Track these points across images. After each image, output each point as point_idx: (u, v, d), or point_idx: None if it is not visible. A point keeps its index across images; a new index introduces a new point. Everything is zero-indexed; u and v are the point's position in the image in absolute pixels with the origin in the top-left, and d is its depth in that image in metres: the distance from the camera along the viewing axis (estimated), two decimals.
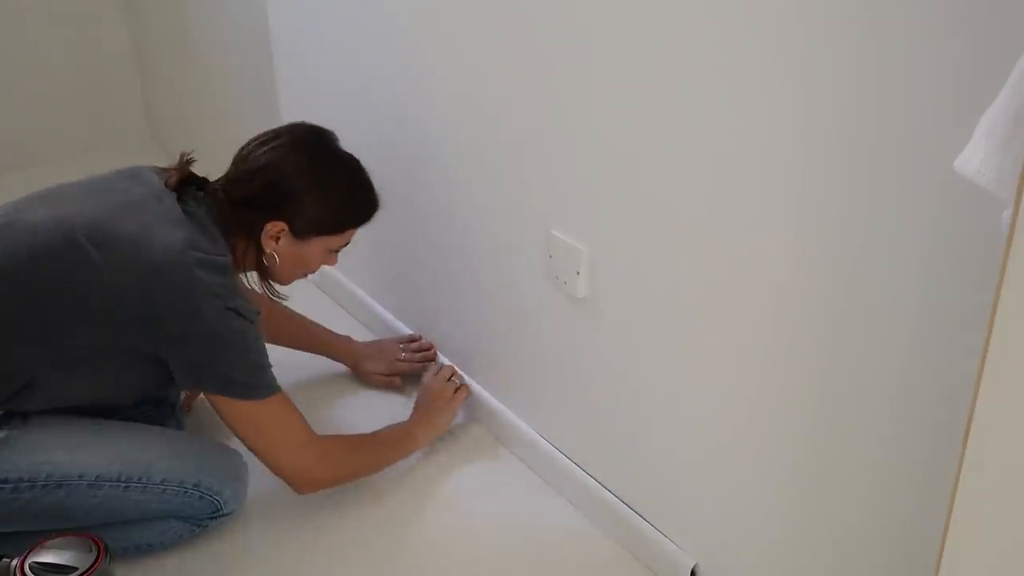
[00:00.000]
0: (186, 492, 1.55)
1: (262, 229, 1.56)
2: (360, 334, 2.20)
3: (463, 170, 1.73)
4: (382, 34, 1.81)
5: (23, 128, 2.93)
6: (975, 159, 0.75)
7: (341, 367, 2.03)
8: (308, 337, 1.99)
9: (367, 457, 1.71)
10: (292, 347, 1.93)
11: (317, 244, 1.62)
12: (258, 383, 1.53)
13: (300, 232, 1.58)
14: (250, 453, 1.60)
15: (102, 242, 1.44)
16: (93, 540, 1.26)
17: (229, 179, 1.60)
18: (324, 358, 2.02)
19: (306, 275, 1.71)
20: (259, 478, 1.69)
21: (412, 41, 1.75)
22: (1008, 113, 0.73)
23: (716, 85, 1.20)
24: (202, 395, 1.75)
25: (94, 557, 1.23)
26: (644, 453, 1.55)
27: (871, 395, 1.16)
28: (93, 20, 2.96)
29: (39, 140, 2.97)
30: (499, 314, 1.78)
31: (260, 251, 1.59)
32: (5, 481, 1.44)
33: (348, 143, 2.04)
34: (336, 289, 2.29)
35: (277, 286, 1.68)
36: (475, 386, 1.91)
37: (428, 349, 2.02)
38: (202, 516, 1.59)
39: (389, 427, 1.76)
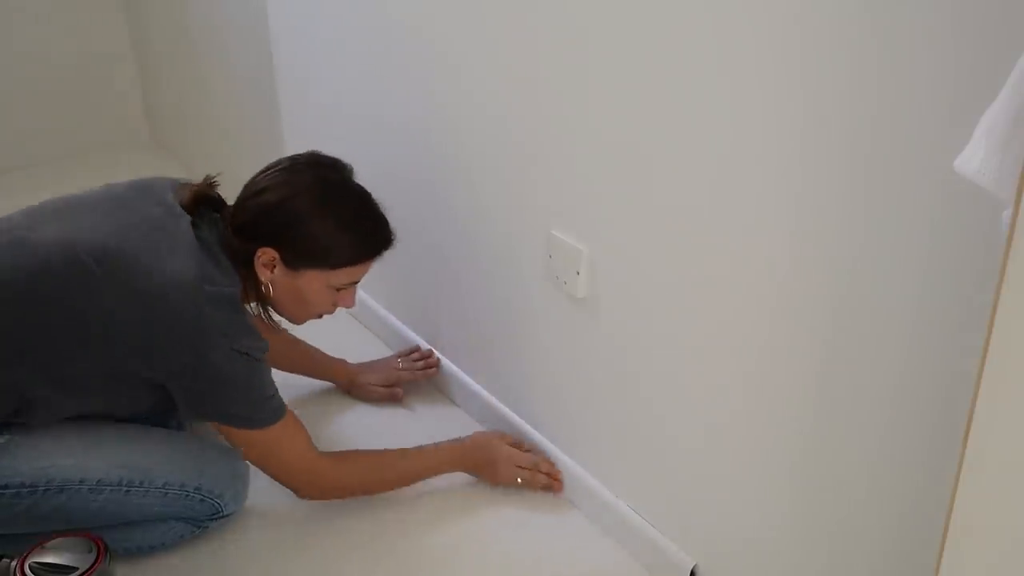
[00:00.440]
0: (187, 495, 1.54)
1: (256, 257, 1.51)
2: (360, 333, 2.21)
3: (463, 170, 1.73)
4: (381, 34, 1.81)
5: (23, 128, 2.93)
6: (975, 159, 0.75)
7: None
8: (305, 361, 1.94)
9: (379, 474, 1.67)
10: (289, 371, 1.89)
11: (312, 278, 1.54)
12: (262, 415, 1.52)
13: (290, 262, 1.52)
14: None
15: (109, 266, 1.41)
16: (93, 540, 1.26)
17: (235, 205, 1.56)
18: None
19: (320, 315, 1.63)
20: (260, 479, 1.69)
21: (412, 41, 1.75)
22: (1008, 113, 0.73)
23: (716, 85, 1.20)
24: None
25: (94, 557, 1.23)
26: (644, 453, 1.55)
27: (870, 395, 1.16)
28: (93, 20, 2.96)
29: (39, 140, 2.97)
30: (499, 314, 1.78)
31: (258, 283, 1.54)
32: (6, 487, 1.43)
33: (347, 142, 2.04)
34: None
35: (287, 323, 1.65)
36: (473, 386, 1.91)
37: (428, 356, 2.00)
38: (203, 517, 1.59)
39: (423, 446, 1.70)
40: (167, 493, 1.53)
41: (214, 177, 1.59)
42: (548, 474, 1.69)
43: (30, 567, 1.21)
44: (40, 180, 2.91)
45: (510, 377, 1.82)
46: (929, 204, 1.02)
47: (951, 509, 0.78)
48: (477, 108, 1.64)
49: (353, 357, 2.01)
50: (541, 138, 1.52)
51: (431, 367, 1.98)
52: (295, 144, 2.28)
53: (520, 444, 1.73)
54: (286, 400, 1.57)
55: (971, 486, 0.76)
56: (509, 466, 1.69)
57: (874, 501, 1.21)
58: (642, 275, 1.42)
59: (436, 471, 1.71)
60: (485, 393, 1.89)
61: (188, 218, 1.50)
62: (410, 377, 1.97)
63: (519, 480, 1.68)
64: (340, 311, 1.66)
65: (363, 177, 2.05)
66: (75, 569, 1.21)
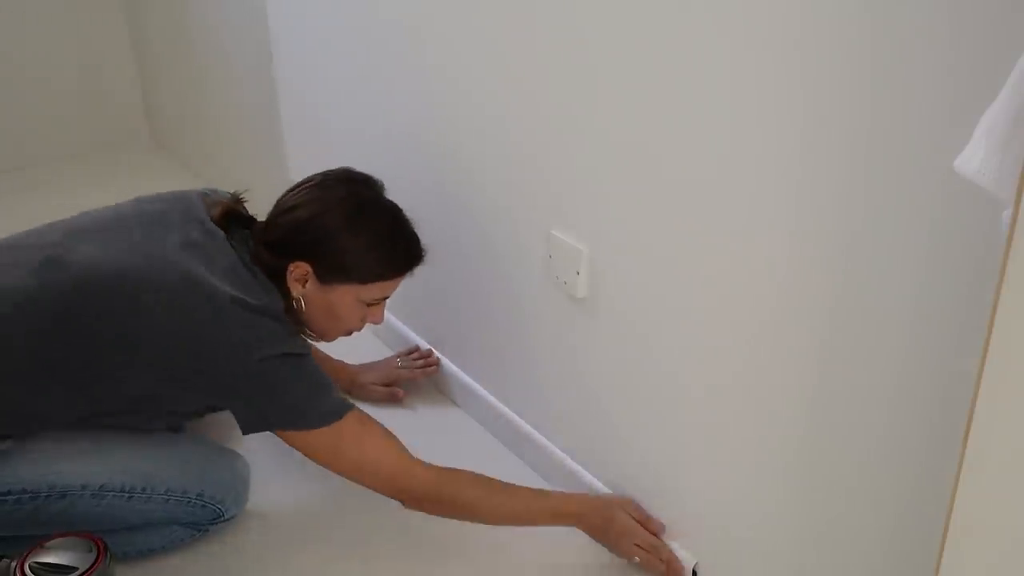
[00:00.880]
0: (189, 501, 1.54)
1: (287, 271, 1.52)
2: (360, 333, 2.20)
3: (463, 170, 1.73)
4: (381, 33, 1.81)
5: (23, 128, 2.93)
6: (975, 159, 0.75)
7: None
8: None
9: (488, 497, 1.55)
10: None
11: (344, 293, 1.54)
12: (323, 409, 1.47)
13: (323, 277, 1.52)
14: (250, 455, 1.60)
15: (147, 287, 1.41)
16: (93, 540, 1.26)
17: (267, 221, 1.56)
18: None
19: (350, 332, 1.64)
20: (260, 481, 1.70)
21: (411, 41, 1.75)
22: (1008, 113, 0.73)
23: (716, 85, 1.20)
24: None
25: (94, 557, 1.23)
26: (644, 452, 1.55)
27: (871, 395, 1.16)
28: (93, 20, 2.96)
29: (39, 140, 2.97)
30: (499, 314, 1.78)
31: (290, 297, 1.54)
32: (8, 493, 1.43)
33: (347, 142, 2.05)
34: None
35: (320, 343, 1.65)
36: (474, 386, 1.91)
37: (428, 356, 2.00)
38: (204, 522, 1.59)
39: (551, 493, 1.62)
40: (169, 499, 1.52)
41: (242, 193, 1.60)
42: (668, 563, 1.52)
43: (30, 567, 1.21)
44: (40, 180, 2.92)
45: (510, 377, 1.82)
46: (929, 204, 1.02)
47: (951, 509, 0.77)
48: (477, 108, 1.64)
49: (354, 358, 2.01)
50: (541, 138, 1.52)
51: (431, 366, 1.98)
52: (295, 143, 2.28)
53: (648, 521, 1.55)
54: None
55: (971, 486, 0.76)
56: (628, 540, 1.54)
57: (874, 501, 1.21)
58: (642, 275, 1.42)
59: (554, 518, 1.57)
60: (486, 393, 1.89)
61: (223, 235, 1.51)
62: (410, 376, 1.97)
63: (636, 559, 1.54)
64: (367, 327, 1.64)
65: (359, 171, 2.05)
66: (75, 569, 1.21)
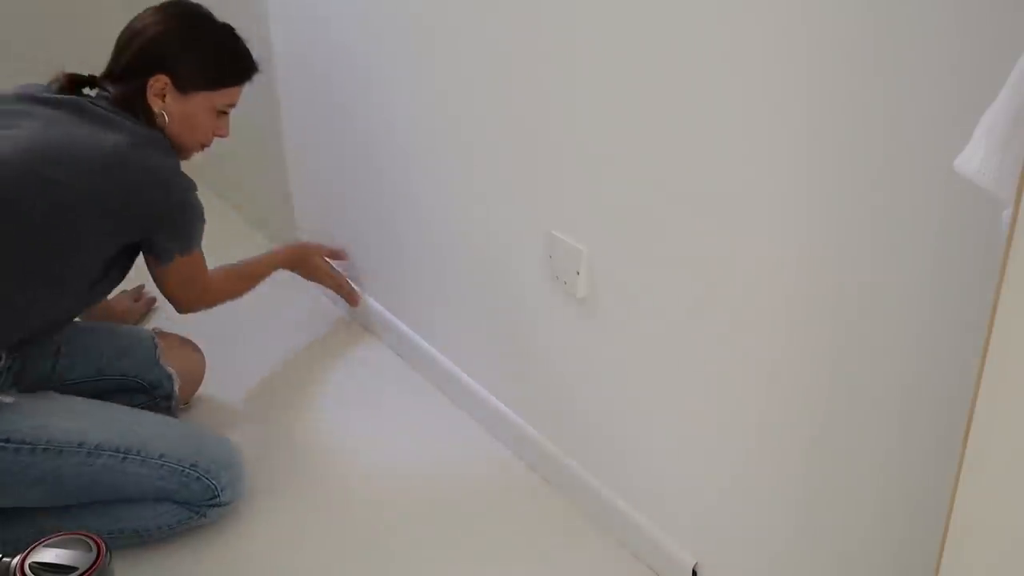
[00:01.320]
0: (183, 471, 1.56)
1: (147, 88, 1.64)
2: (359, 333, 2.20)
3: (463, 170, 1.73)
4: (383, 28, 1.81)
5: None
6: (975, 159, 0.75)
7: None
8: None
9: (238, 285, 1.96)
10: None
11: (201, 100, 1.69)
12: (200, 235, 1.71)
13: (181, 86, 1.66)
14: (250, 453, 1.60)
15: (53, 160, 1.51)
16: (93, 540, 1.25)
17: (109, 65, 1.68)
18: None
19: (204, 146, 1.77)
20: (257, 478, 1.70)
21: (413, 39, 1.75)
22: (1008, 113, 0.73)
23: (717, 85, 1.20)
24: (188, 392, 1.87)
25: (94, 557, 1.23)
26: (645, 452, 1.55)
27: (871, 395, 1.16)
28: (93, 20, 2.96)
29: None
30: (499, 314, 1.78)
31: (152, 117, 1.66)
32: (7, 441, 1.45)
33: (347, 140, 2.05)
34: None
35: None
36: (475, 386, 1.91)
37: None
38: (199, 502, 1.59)
39: (260, 256, 2.04)
40: (163, 465, 1.55)
41: (62, 69, 1.70)
42: (344, 287, 2.16)
43: (30, 567, 1.20)
44: None
45: (510, 377, 1.82)
46: (929, 204, 1.02)
47: (951, 509, 0.77)
48: (478, 108, 1.64)
49: (353, 358, 2.02)
50: (541, 138, 1.52)
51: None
52: (294, 143, 2.28)
53: (333, 254, 2.18)
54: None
55: (971, 486, 0.76)
56: (320, 274, 2.14)
57: (875, 500, 1.21)
58: (642, 275, 1.42)
59: (272, 270, 2.04)
60: (485, 393, 1.89)
61: (84, 99, 1.63)
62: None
63: (327, 282, 2.15)
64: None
65: (362, 175, 2.05)
66: (75, 569, 1.21)
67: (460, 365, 1.95)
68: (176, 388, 1.83)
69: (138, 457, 1.53)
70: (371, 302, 2.18)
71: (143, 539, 1.58)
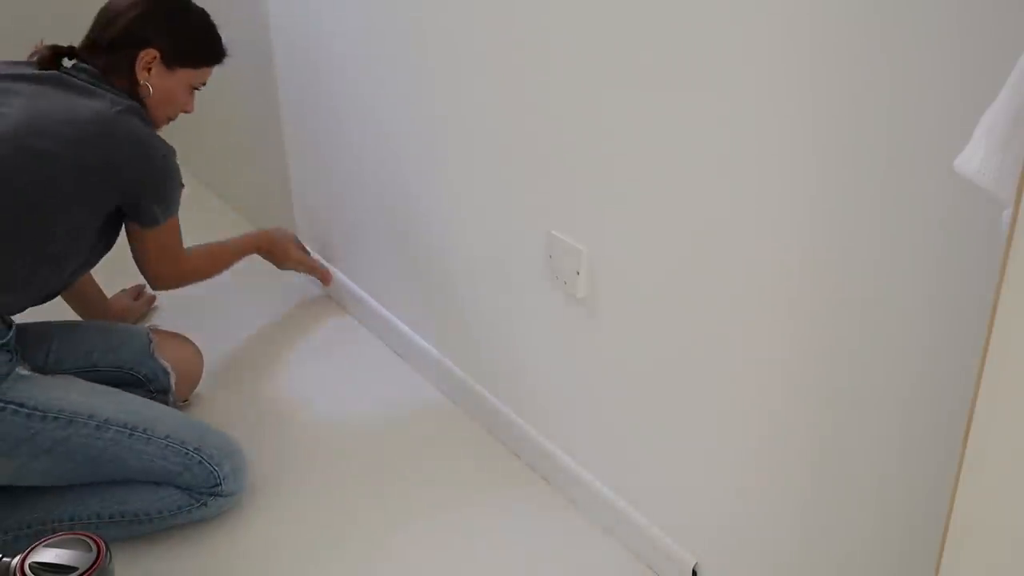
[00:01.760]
0: (187, 454, 1.59)
1: (136, 60, 1.70)
2: (358, 333, 2.20)
3: (463, 170, 1.73)
4: (382, 29, 1.81)
5: None
6: (975, 159, 0.75)
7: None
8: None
9: (213, 263, 2.01)
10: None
11: (183, 76, 1.77)
12: (178, 200, 1.76)
13: (169, 61, 1.74)
14: (250, 455, 1.60)
15: (48, 136, 1.56)
16: (93, 540, 1.25)
17: (90, 35, 1.74)
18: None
19: (170, 120, 1.84)
20: (259, 476, 1.70)
21: (413, 38, 1.75)
22: (1008, 113, 0.73)
23: (717, 85, 1.20)
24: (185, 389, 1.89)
25: (94, 557, 1.23)
26: (645, 452, 1.55)
27: (871, 395, 1.16)
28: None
29: None
30: (499, 314, 1.78)
31: (134, 88, 1.72)
32: (22, 405, 1.49)
33: (349, 136, 2.05)
34: (336, 289, 2.29)
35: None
36: (475, 386, 1.91)
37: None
38: (201, 488, 1.60)
39: (233, 239, 2.08)
40: (168, 445, 1.58)
41: (41, 41, 1.74)
42: (316, 269, 2.24)
43: (30, 567, 1.20)
44: None
45: (510, 376, 1.82)
46: (929, 204, 1.02)
47: (951, 509, 0.77)
48: (478, 107, 1.64)
49: (352, 357, 2.02)
50: (541, 138, 1.52)
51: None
52: (294, 143, 2.28)
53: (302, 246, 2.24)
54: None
55: (971, 486, 0.76)
56: (290, 261, 2.19)
57: (874, 500, 1.21)
58: (642, 275, 1.42)
59: (245, 255, 2.09)
60: (485, 392, 1.89)
61: (63, 73, 1.67)
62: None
63: (300, 267, 2.22)
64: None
65: (361, 174, 2.05)
66: (75, 569, 1.21)
67: (460, 365, 1.95)
68: (172, 383, 1.83)
69: (144, 435, 1.56)
70: (370, 301, 2.18)
71: (143, 525, 1.59)
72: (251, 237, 2.14)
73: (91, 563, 1.22)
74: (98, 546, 1.24)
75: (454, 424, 1.92)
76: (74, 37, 1.76)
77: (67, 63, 1.72)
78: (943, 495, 0.79)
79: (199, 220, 2.03)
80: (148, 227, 1.72)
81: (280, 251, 2.17)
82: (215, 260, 2.02)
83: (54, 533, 1.25)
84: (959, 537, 0.78)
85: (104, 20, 1.74)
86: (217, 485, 1.61)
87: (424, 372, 2.05)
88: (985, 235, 0.94)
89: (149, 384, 1.81)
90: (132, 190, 1.65)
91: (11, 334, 1.55)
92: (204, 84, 1.86)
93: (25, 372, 1.55)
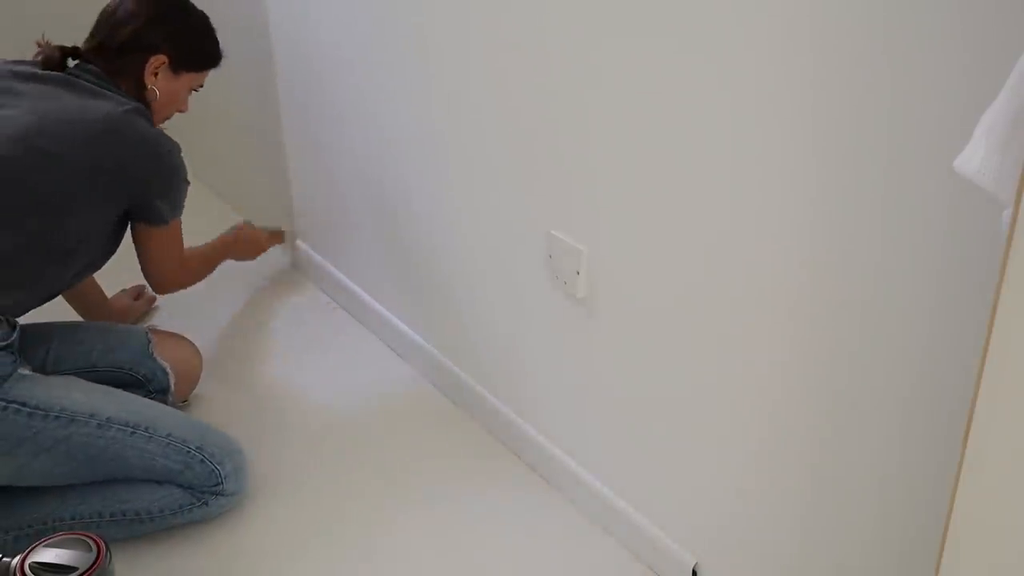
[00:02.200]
0: (189, 452, 1.59)
1: (144, 65, 1.74)
2: (358, 331, 2.21)
3: (463, 170, 1.73)
4: (382, 30, 1.81)
5: None
6: (975, 159, 0.75)
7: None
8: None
9: (206, 264, 2.07)
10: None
11: (187, 80, 1.83)
12: (183, 200, 1.78)
13: (176, 66, 1.78)
14: (250, 455, 1.60)
15: (58, 137, 1.57)
16: (93, 540, 1.25)
17: (97, 38, 1.75)
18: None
19: (167, 119, 1.86)
20: (259, 476, 1.70)
21: (412, 38, 1.75)
22: (1007, 115, 0.73)
23: (717, 85, 1.20)
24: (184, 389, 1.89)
25: (94, 557, 1.23)
26: (645, 452, 1.55)
27: (871, 395, 1.16)
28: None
29: None
30: (499, 314, 1.78)
31: (140, 91, 1.75)
32: (23, 404, 1.49)
33: (349, 137, 2.05)
34: (337, 289, 2.29)
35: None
36: (474, 386, 1.91)
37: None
38: (203, 487, 1.60)
39: (213, 245, 2.11)
40: (169, 444, 1.58)
41: (43, 37, 1.77)
42: (269, 238, 2.31)
43: (30, 567, 1.20)
44: None
45: (510, 377, 1.82)
46: (929, 205, 1.02)
47: (951, 509, 0.77)
48: (477, 108, 1.64)
49: (351, 357, 2.02)
50: (541, 138, 1.52)
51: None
52: (294, 144, 2.28)
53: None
54: None
55: (971, 486, 0.76)
56: (252, 248, 2.25)
57: (874, 500, 1.21)
58: (642, 275, 1.42)
59: (223, 258, 2.14)
60: (485, 392, 1.89)
61: (69, 74, 1.69)
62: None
63: (266, 245, 2.29)
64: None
65: (361, 173, 2.05)
66: (75, 569, 1.21)
67: (459, 365, 1.95)
68: (172, 383, 1.83)
69: (146, 433, 1.57)
70: (370, 301, 2.18)
71: (145, 524, 1.59)
72: (220, 243, 2.16)
73: (91, 563, 1.22)
74: (98, 546, 1.24)
75: (453, 423, 1.92)
76: (74, 37, 1.76)
77: (71, 64, 1.73)
78: (943, 495, 0.79)
79: (199, 220, 2.02)
80: (155, 225, 1.75)
81: (244, 243, 2.22)
82: (208, 263, 2.08)
83: (54, 533, 1.25)
84: (959, 537, 0.78)
85: (111, 23, 1.76)
86: (218, 484, 1.61)
87: (423, 372, 2.05)
88: (985, 235, 0.94)
89: (148, 384, 1.81)
90: (141, 189, 1.68)
91: (15, 335, 1.55)
92: (202, 86, 1.90)
93: (27, 372, 1.55)
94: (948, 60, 0.96)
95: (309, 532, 1.67)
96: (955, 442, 0.77)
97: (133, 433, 1.56)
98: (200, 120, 2.80)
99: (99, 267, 1.78)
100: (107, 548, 1.24)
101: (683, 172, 1.29)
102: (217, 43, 1.87)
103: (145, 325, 2.05)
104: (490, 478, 1.79)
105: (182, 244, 1.85)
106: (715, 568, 1.50)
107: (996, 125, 0.74)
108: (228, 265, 2.17)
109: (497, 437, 1.88)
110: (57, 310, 1.84)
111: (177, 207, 1.77)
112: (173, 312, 2.21)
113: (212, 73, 1.90)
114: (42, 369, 1.69)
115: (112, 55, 1.73)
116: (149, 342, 1.83)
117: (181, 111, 1.89)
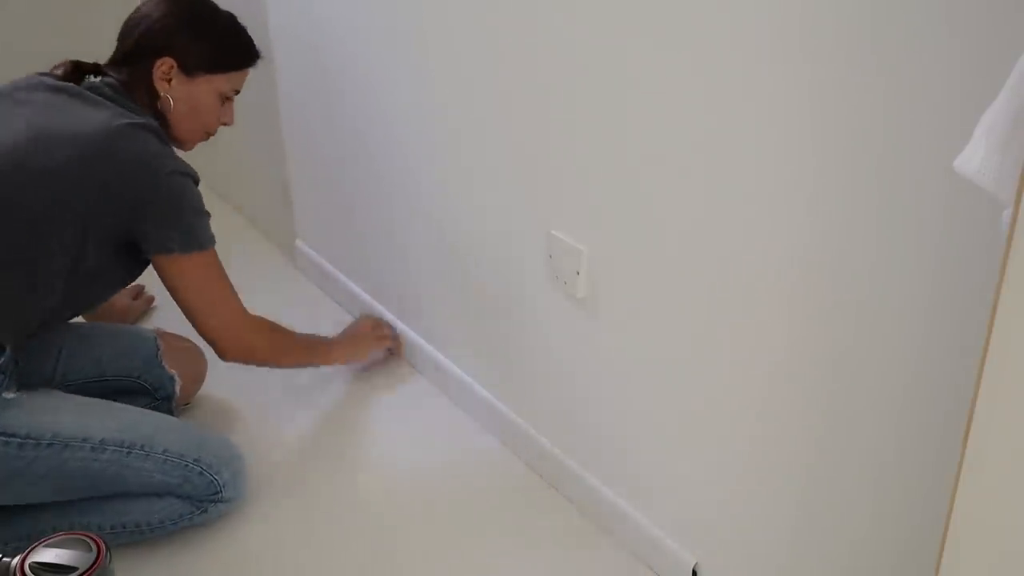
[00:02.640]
0: (187, 465, 1.57)
1: (152, 71, 1.62)
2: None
3: (464, 170, 1.73)
4: (383, 29, 1.81)
5: None
6: (975, 159, 0.75)
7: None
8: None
9: (292, 345, 1.83)
10: None
11: (206, 84, 1.67)
12: (207, 233, 1.61)
13: (187, 69, 1.64)
14: (246, 451, 1.60)
15: (52, 152, 1.48)
16: (93, 540, 1.25)
17: (119, 46, 1.67)
18: None
19: (208, 135, 1.74)
20: (259, 477, 1.70)
21: (413, 37, 1.75)
22: (1007, 115, 0.73)
23: (716, 85, 1.20)
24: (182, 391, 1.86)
25: (94, 557, 1.23)
26: (645, 452, 1.55)
27: (871, 395, 1.16)
28: (93, 21, 2.95)
29: None
30: (499, 314, 1.78)
31: (155, 101, 1.64)
32: (13, 435, 1.45)
33: (350, 137, 2.05)
34: (336, 289, 2.29)
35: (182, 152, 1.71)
36: (474, 385, 1.91)
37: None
38: (202, 497, 1.60)
39: (313, 336, 1.89)
40: (167, 460, 1.55)
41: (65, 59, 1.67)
42: (394, 339, 2.07)
43: (30, 567, 1.20)
44: None
45: (510, 376, 1.82)
46: (928, 204, 1.02)
47: (951, 509, 0.77)
48: (477, 108, 1.64)
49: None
50: (541, 138, 1.52)
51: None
52: (295, 143, 2.28)
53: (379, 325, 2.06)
54: None
55: (971, 486, 0.76)
56: (377, 345, 2.02)
57: (874, 500, 1.21)
58: (642, 275, 1.42)
59: (325, 363, 1.96)
60: (485, 392, 1.89)
61: (82, 86, 1.60)
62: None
63: (383, 348, 2.05)
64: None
65: (360, 173, 2.05)
66: (75, 569, 1.21)
67: (459, 365, 1.95)
68: (177, 389, 1.83)
69: (142, 452, 1.54)
70: (369, 300, 2.18)
71: (145, 535, 1.58)
72: (335, 345, 1.96)
73: (91, 563, 1.22)
74: (98, 546, 1.24)
75: (452, 422, 1.92)
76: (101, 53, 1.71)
77: (93, 79, 1.64)
78: (943, 495, 0.79)
79: None
80: (161, 254, 1.58)
81: (362, 343, 2.00)
82: (304, 347, 1.86)
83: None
84: (959, 537, 0.78)
85: (124, 32, 1.68)
86: (217, 492, 1.60)
87: (423, 370, 2.05)
88: (985, 235, 0.94)
89: (155, 392, 1.81)
90: (132, 213, 1.52)
91: (2, 359, 1.48)
92: (238, 91, 1.74)
93: (10, 396, 1.49)
94: (948, 60, 0.96)
95: (310, 536, 1.66)
96: (953, 442, 0.77)
97: (129, 453, 1.52)
98: None
99: (105, 298, 1.70)
100: (107, 548, 1.24)
101: (683, 172, 1.29)
102: (243, 41, 1.71)
103: (153, 327, 2.01)
104: (489, 478, 1.79)
105: (222, 284, 1.65)
106: (715, 568, 1.50)
107: (996, 125, 0.74)
108: (226, 265, 2.14)
109: (496, 435, 1.87)
110: None
111: (190, 238, 1.57)
112: (173, 312, 2.21)
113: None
114: (51, 381, 1.68)
115: (124, 64, 1.64)
116: (158, 349, 1.82)
117: (225, 123, 1.73)
